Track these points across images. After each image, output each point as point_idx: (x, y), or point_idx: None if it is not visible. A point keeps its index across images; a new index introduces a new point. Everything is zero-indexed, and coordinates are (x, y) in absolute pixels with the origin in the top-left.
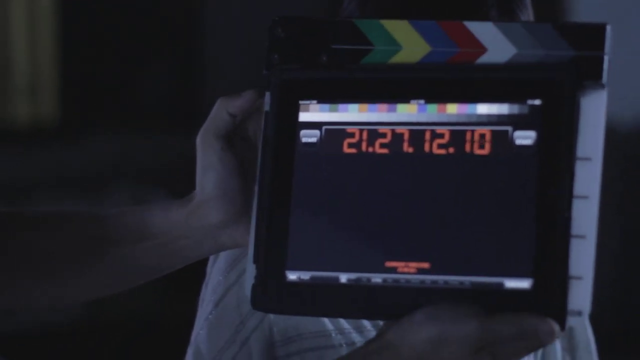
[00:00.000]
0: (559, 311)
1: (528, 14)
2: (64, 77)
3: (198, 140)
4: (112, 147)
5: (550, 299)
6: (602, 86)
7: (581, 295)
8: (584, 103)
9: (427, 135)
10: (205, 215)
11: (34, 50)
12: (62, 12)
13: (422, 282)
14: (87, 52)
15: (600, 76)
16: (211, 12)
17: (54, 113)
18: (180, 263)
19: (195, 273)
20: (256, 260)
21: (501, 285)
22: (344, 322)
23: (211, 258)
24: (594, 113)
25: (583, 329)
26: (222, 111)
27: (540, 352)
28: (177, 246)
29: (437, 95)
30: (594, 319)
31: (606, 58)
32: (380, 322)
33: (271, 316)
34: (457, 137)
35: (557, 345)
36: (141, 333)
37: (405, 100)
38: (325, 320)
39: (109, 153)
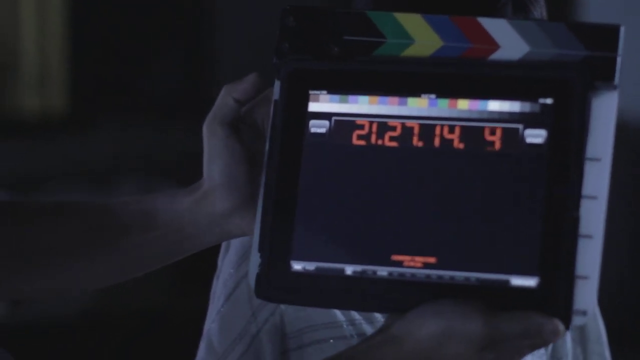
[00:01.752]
0: (565, 311)
1: (542, 12)
2: (72, 69)
3: (204, 128)
4: (120, 140)
5: (556, 298)
6: (614, 87)
7: (587, 295)
8: (595, 103)
9: (438, 130)
10: (212, 203)
11: (43, 42)
12: (71, 4)
13: (428, 276)
14: (96, 45)
15: (612, 77)
16: (220, 5)
17: (62, 105)
18: (188, 251)
19: (204, 266)
20: (261, 249)
21: (507, 282)
22: (354, 313)
23: (222, 251)
24: (605, 114)
25: (594, 321)
26: (227, 98)
27: (551, 344)
28: (184, 234)
29: (448, 90)
30: (605, 311)
31: (619, 59)
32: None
33: (282, 308)
34: (468, 133)
35: (568, 338)
36: (150, 326)
37: (417, 94)
38: (337, 311)
39: (117, 145)
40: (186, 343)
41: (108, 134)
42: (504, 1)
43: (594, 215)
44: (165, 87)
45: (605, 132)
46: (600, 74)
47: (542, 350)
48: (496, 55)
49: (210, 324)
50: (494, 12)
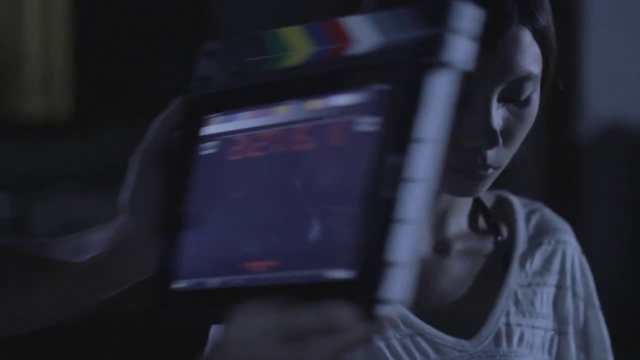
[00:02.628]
0: (368, 300)
1: (547, 17)
2: (76, 72)
3: (133, 159)
4: (124, 142)
5: (362, 287)
6: (446, 65)
7: (397, 282)
8: (429, 84)
9: (295, 134)
10: (132, 231)
11: (46, 45)
12: (75, 7)
13: (269, 279)
14: (100, 47)
15: (440, 54)
16: (220, 5)
17: (66, 108)
18: (121, 281)
19: None
20: (154, 270)
21: (322, 276)
22: None
23: None
24: (436, 94)
25: (598, 327)
26: (157, 128)
27: (555, 350)
28: (111, 264)
29: (302, 93)
30: (605, 311)
31: (446, 35)
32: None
33: None
34: (317, 132)
35: (572, 343)
36: (153, 328)
37: (281, 102)
38: None
39: (121, 147)
40: (190, 346)
41: (111, 135)
42: (510, 8)
43: (411, 199)
44: (169, 90)
45: (433, 112)
46: (431, 52)
47: (545, 356)
48: (353, 50)
49: (217, 328)
50: (500, 19)
